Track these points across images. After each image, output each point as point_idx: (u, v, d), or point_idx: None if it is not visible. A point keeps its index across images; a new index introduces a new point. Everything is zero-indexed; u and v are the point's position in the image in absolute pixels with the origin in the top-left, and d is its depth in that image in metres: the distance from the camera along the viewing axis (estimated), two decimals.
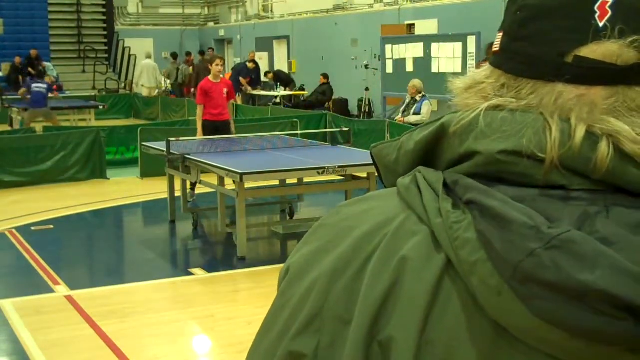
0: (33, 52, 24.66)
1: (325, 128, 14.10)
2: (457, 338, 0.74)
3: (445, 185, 0.79)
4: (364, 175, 7.91)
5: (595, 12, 0.78)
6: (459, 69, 14.91)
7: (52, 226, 9.25)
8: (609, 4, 0.78)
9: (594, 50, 0.78)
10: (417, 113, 12.80)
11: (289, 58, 23.89)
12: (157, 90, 24.22)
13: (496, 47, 0.85)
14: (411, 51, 16.40)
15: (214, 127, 10.10)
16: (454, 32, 15.84)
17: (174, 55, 25.20)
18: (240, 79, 21.48)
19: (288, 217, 9.55)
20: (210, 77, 10.29)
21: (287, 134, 11.13)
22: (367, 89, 18.93)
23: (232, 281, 7.25)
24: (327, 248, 0.83)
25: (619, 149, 0.75)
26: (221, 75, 10.49)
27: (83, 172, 12.00)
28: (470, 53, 15.04)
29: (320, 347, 0.80)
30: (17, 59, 24.27)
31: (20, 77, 23.09)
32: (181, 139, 9.25)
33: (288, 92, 21.18)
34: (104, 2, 28.91)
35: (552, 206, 0.75)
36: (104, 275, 7.50)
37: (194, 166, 8.21)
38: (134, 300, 6.57)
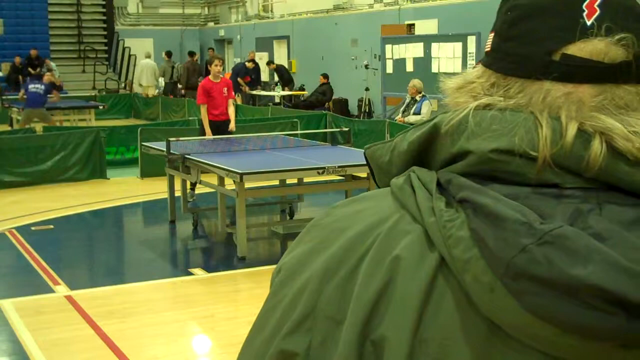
0: (33, 52, 24.66)
1: (325, 128, 14.10)
2: (451, 336, 0.74)
3: (439, 184, 0.79)
4: (364, 175, 7.90)
5: (584, 11, 0.79)
6: (459, 69, 14.83)
7: (52, 226, 9.25)
8: (597, 3, 0.79)
9: (581, 49, 0.78)
10: (417, 113, 12.80)
11: (289, 58, 23.86)
12: (157, 90, 24.21)
13: (488, 47, 0.86)
14: (411, 51, 16.38)
15: (215, 126, 10.10)
16: (454, 32, 15.82)
17: (169, 54, 25.12)
18: (239, 79, 21.45)
19: (288, 217, 9.55)
20: (210, 77, 10.29)
21: (287, 134, 11.12)
22: (367, 89, 18.90)
23: (232, 281, 7.24)
24: (320, 248, 0.83)
25: (611, 146, 0.75)
26: (221, 75, 10.49)
27: (83, 172, 11.99)
28: (470, 53, 15.03)
29: (312, 346, 0.80)
30: (17, 59, 24.26)
31: (20, 77, 23.09)
32: (181, 139, 9.24)
33: (288, 92, 21.16)
34: (104, 2, 28.87)
35: (544, 204, 0.75)
36: (104, 275, 7.49)
37: (194, 166, 8.21)
38: (134, 300, 6.57)
